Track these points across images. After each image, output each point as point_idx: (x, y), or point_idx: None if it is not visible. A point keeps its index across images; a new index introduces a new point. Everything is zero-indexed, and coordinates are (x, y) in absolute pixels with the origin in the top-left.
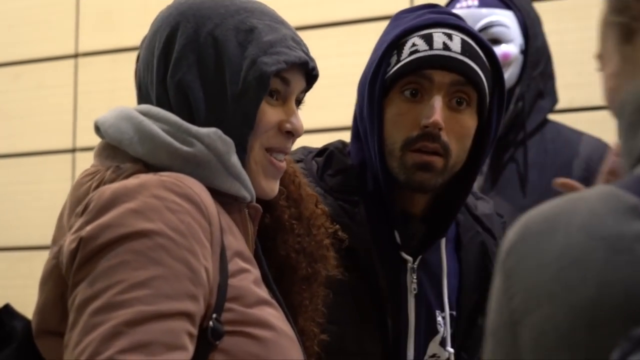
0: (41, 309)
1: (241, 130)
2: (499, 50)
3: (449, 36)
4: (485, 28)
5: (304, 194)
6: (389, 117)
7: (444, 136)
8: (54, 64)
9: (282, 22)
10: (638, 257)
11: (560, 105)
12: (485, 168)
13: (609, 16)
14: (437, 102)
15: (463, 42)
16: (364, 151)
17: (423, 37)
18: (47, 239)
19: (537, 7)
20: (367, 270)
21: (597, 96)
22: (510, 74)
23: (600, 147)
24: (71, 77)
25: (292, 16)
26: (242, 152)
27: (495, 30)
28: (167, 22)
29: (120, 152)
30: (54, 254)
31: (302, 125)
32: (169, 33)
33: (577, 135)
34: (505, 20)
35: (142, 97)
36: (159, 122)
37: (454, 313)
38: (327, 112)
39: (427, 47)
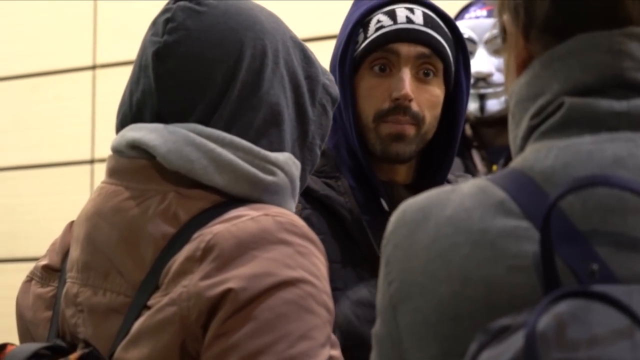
0: (155, 357)
1: (318, 147)
2: None
3: (411, 10)
4: (494, 38)
5: None
6: (361, 92)
7: (415, 107)
8: (72, 76)
9: None
10: (499, 253)
11: None
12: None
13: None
14: (406, 74)
15: (425, 14)
16: (339, 130)
17: (387, 13)
18: None
19: None
20: (360, 238)
21: None
22: None
23: None
24: (89, 88)
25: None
26: (314, 165)
27: None
28: (236, 40)
29: (173, 176)
30: (171, 299)
31: None
32: (251, 54)
33: None
34: None
35: (172, 107)
36: (230, 149)
37: None
38: None
39: (391, 22)
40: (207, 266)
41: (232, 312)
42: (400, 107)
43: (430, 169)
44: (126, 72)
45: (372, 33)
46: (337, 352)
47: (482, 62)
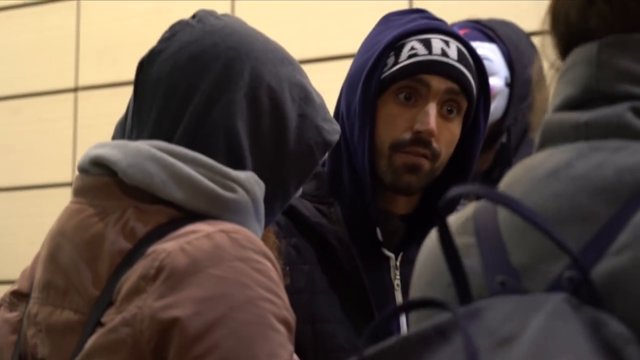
0: None
1: (292, 185)
2: None
3: (447, 43)
4: None
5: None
6: (382, 117)
7: (435, 143)
8: (54, 98)
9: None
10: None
11: None
12: None
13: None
14: (432, 109)
15: (459, 50)
16: (343, 155)
17: (422, 41)
18: None
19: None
20: (349, 268)
21: None
22: (495, 107)
23: None
24: (71, 110)
25: (292, 50)
26: (285, 201)
27: None
28: (214, 55)
29: (134, 192)
30: (124, 320)
31: None
32: (223, 71)
33: None
34: (488, 53)
35: (144, 116)
36: (192, 164)
37: None
38: None
39: (426, 52)
40: (161, 286)
41: (194, 339)
42: (421, 140)
43: (430, 203)
44: (108, 95)
45: (405, 59)
46: None
47: None
